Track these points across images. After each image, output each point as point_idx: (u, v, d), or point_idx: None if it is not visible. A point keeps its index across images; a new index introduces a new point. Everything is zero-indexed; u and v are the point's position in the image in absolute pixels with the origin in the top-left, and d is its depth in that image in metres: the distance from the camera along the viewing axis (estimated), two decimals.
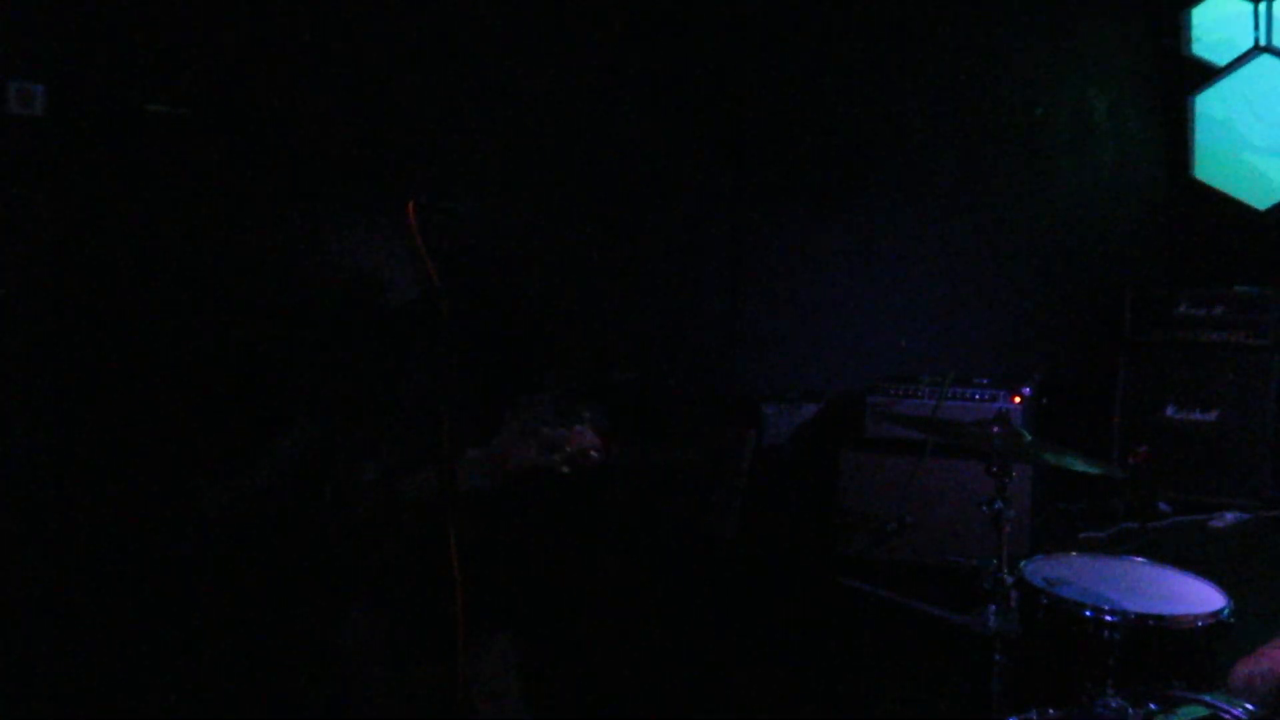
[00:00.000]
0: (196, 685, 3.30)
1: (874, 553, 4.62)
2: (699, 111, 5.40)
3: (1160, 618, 2.74)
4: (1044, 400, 4.86)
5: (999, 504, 3.12)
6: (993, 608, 3.05)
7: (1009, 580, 3.01)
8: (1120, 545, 4.10)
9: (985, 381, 4.79)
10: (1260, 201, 5.61)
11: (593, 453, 2.82)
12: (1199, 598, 2.88)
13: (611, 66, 5.25)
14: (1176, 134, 5.77)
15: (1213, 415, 5.02)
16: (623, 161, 5.28)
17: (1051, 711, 2.56)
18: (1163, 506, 4.85)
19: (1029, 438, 3.29)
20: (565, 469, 2.79)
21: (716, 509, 4.74)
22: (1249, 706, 2.53)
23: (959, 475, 4.45)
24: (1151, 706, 2.49)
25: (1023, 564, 3.05)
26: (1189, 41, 5.66)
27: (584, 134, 5.21)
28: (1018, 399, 4.66)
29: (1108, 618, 2.71)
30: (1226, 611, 2.78)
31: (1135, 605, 2.77)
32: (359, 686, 2.93)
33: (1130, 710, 2.46)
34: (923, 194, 5.59)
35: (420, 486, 2.84)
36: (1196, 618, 2.75)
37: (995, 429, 3.15)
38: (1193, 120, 5.80)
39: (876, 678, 3.91)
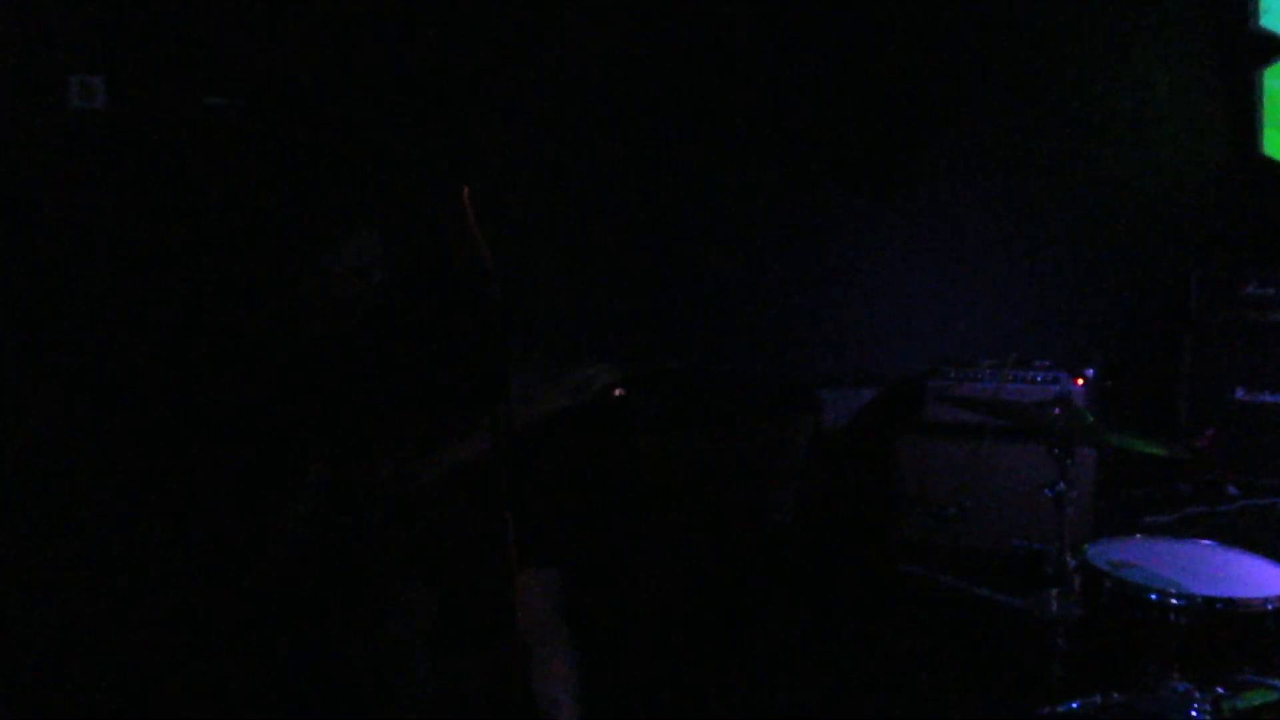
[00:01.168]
0: (245, 674, 3.35)
1: (934, 538, 4.58)
2: (751, 95, 5.37)
3: (1229, 601, 2.69)
4: (1107, 382, 4.78)
5: (1061, 487, 3.08)
6: (1055, 592, 3.02)
7: (1072, 564, 2.97)
8: (1187, 529, 4.02)
9: (1047, 364, 4.72)
10: None
11: (616, 390, 2.98)
12: (1268, 580, 2.82)
13: (664, 52, 5.23)
14: (1243, 110, 5.64)
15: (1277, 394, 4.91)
16: (674, 148, 5.27)
17: (1116, 696, 2.52)
18: (1231, 490, 4.76)
19: (1091, 419, 3.24)
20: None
21: (774, 495, 4.72)
22: None
23: (1020, 459, 4.38)
24: (1219, 691, 2.45)
25: (1086, 547, 3.01)
26: (1256, 14, 5.52)
27: (635, 118, 5.20)
28: (1080, 381, 4.59)
29: (1174, 601, 2.66)
30: None
31: (1202, 588, 2.71)
32: (408, 668, 2.97)
33: (1197, 694, 2.42)
34: (981, 174, 5.51)
35: (439, 467, 2.94)
36: (1266, 600, 2.69)
37: (1057, 411, 3.12)
38: (1260, 95, 5.67)
39: (936, 663, 3.87)
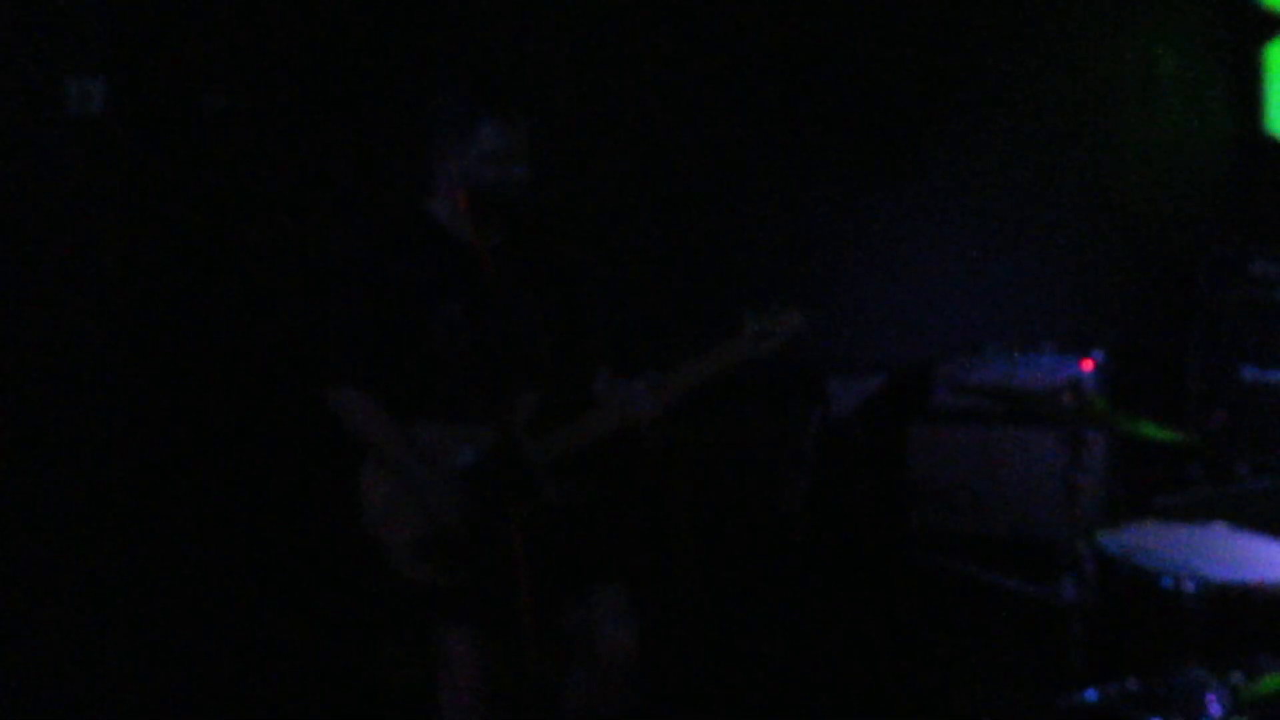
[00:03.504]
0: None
1: (946, 526, 4.56)
2: (752, 79, 5.34)
3: (1244, 585, 2.67)
4: (1116, 365, 4.76)
5: (1073, 473, 3.07)
6: (1069, 578, 3.00)
7: (1085, 550, 2.96)
8: (1199, 512, 3.99)
9: (1055, 347, 4.69)
10: None
11: (799, 334, 2.83)
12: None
13: (659, 38, 5.20)
14: (1248, 87, 5.61)
15: None
16: (677, 134, 5.24)
17: (1132, 682, 2.51)
18: (1242, 471, 4.73)
19: (1102, 404, 3.22)
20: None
21: (783, 486, 4.70)
22: None
23: (1031, 445, 4.36)
24: (1236, 676, 2.43)
25: (1099, 533, 2.99)
26: None
27: (629, 107, 5.18)
28: (1089, 364, 4.56)
29: (1188, 585, 2.64)
30: None
31: (1217, 572, 2.70)
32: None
33: (1214, 680, 2.40)
34: (985, 157, 5.47)
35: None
36: (1277, 583, 2.68)
37: (1067, 396, 3.10)
38: (1266, 72, 5.63)
39: (951, 652, 3.86)
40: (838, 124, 5.40)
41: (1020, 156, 5.47)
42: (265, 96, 4.09)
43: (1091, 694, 2.47)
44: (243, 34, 4.02)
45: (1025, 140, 5.47)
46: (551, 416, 2.78)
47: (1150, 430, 3.16)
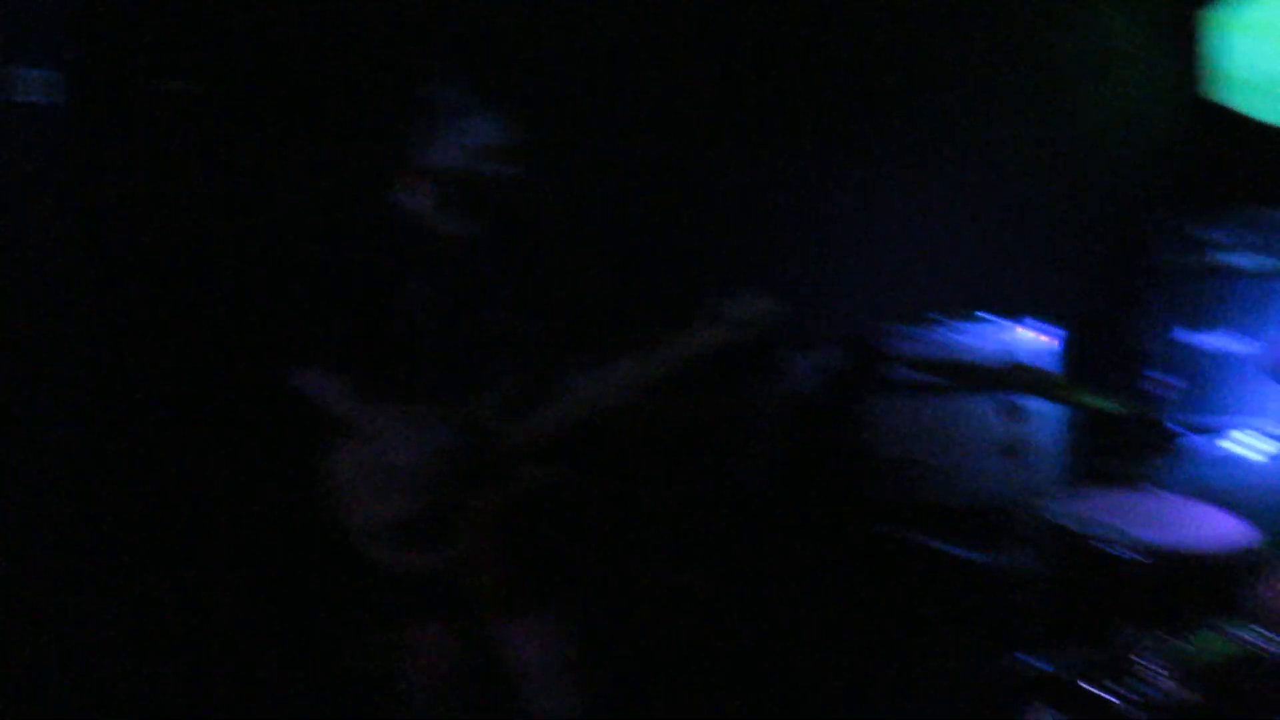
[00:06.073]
0: None
1: (901, 497, 4.63)
2: (709, 59, 5.34)
3: (1185, 550, 2.75)
4: (1066, 333, 4.84)
5: (1020, 442, 3.14)
6: (1018, 547, 3.08)
7: (1031, 519, 3.03)
8: (1145, 478, 4.08)
9: (1004, 317, 4.77)
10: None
11: (768, 318, 2.84)
12: (1225, 529, 2.89)
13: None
14: (1193, 52, 5.68)
15: (1236, 339, 4.97)
16: (629, 115, 5.23)
17: (1077, 648, 2.58)
18: (1188, 435, 4.83)
19: (1048, 374, 3.29)
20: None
21: (743, 461, 4.75)
22: (1273, 634, 2.55)
23: (982, 415, 4.44)
24: (1177, 640, 2.51)
25: (1046, 502, 3.06)
26: None
27: (595, 89, 5.17)
28: (1037, 334, 4.64)
29: (1130, 553, 2.72)
30: (1254, 542, 2.79)
31: (1159, 538, 2.77)
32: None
33: (1156, 645, 2.48)
34: (934, 130, 5.52)
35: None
36: (1222, 549, 2.76)
37: (1013, 366, 3.16)
38: (1211, 38, 5.70)
39: (904, 620, 3.94)
40: (790, 101, 5.42)
41: (970, 128, 5.51)
42: (227, 80, 4.06)
43: (1036, 660, 2.54)
44: (202, 17, 3.98)
45: (974, 111, 5.51)
46: (525, 402, 2.81)
47: (1093, 399, 3.22)
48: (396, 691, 2.89)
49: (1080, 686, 2.44)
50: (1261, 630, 2.57)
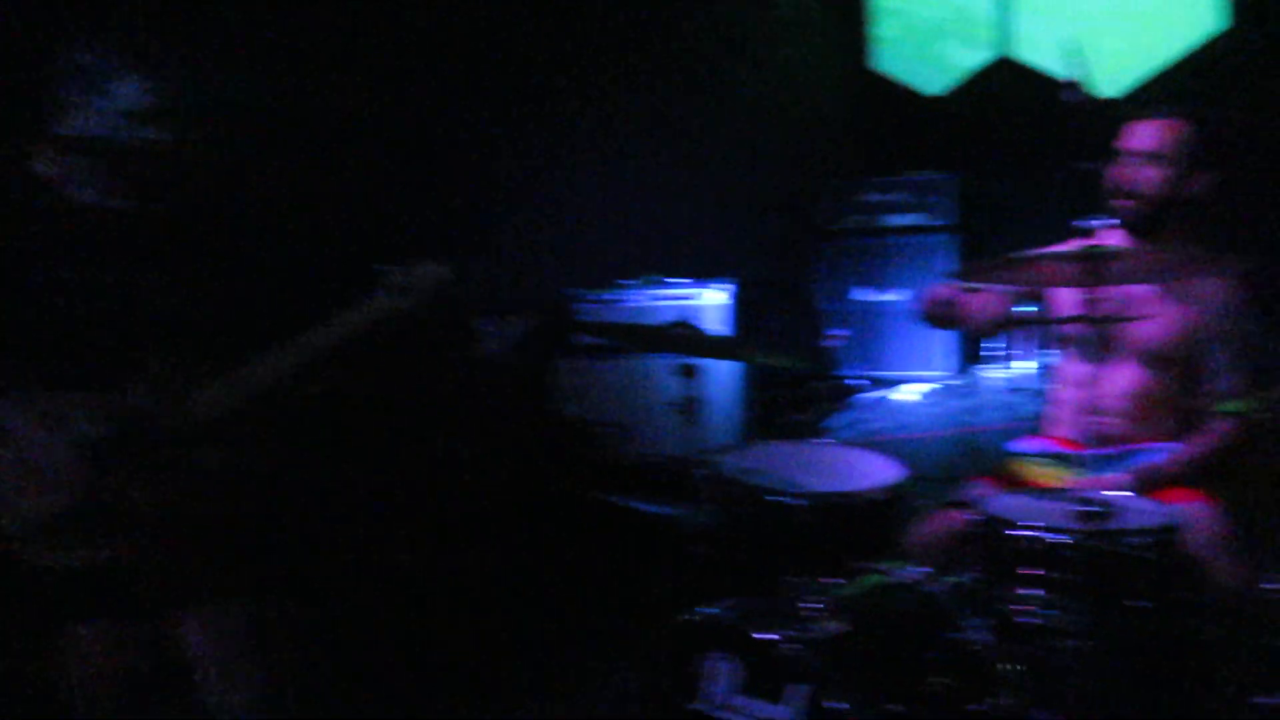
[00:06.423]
0: None
1: (594, 456, 4.70)
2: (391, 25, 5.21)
3: (842, 494, 2.89)
4: (746, 294, 5.01)
5: (694, 399, 3.21)
6: (696, 501, 3.16)
7: (707, 473, 3.11)
8: (821, 428, 4.29)
9: (685, 280, 4.90)
10: (936, 87, 5.90)
11: (444, 286, 2.77)
12: (880, 472, 3.04)
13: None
14: (856, 23, 5.98)
15: (899, 294, 5.30)
16: (310, 89, 5.05)
17: (740, 599, 2.66)
18: (860, 385, 5.11)
19: (718, 332, 3.39)
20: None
21: (437, 429, 4.69)
22: (922, 568, 2.72)
23: (658, 375, 4.57)
24: (833, 581, 2.63)
25: (720, 456, 3.15)
26: None
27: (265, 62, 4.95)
28: (717, 295, 4.79)
29: (790, 500, 2.83)
30: (902, 481, 2.95)
31: (820, 485, 2.89)
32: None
33: (811, 587, 2.59)
34: (621, 100, 5.59)
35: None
36: (875, 490, 2.91)
37: (685, 326, 3.23)
38: (871, 9, 6.02)
39: (589, 577, 3.99)
40: (479, 74, 5.36)
41: (654, 100, 5.62)
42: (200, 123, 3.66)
43: (706, 610, 2.61)
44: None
45: (658, 84, 5.62)
46: (186, 385, 2.65)
47: (767, 356, 3.34)
48: (61, 695, 2.69)
49: (750, 634, 2.50)
50: (904, 562, 2.75)
